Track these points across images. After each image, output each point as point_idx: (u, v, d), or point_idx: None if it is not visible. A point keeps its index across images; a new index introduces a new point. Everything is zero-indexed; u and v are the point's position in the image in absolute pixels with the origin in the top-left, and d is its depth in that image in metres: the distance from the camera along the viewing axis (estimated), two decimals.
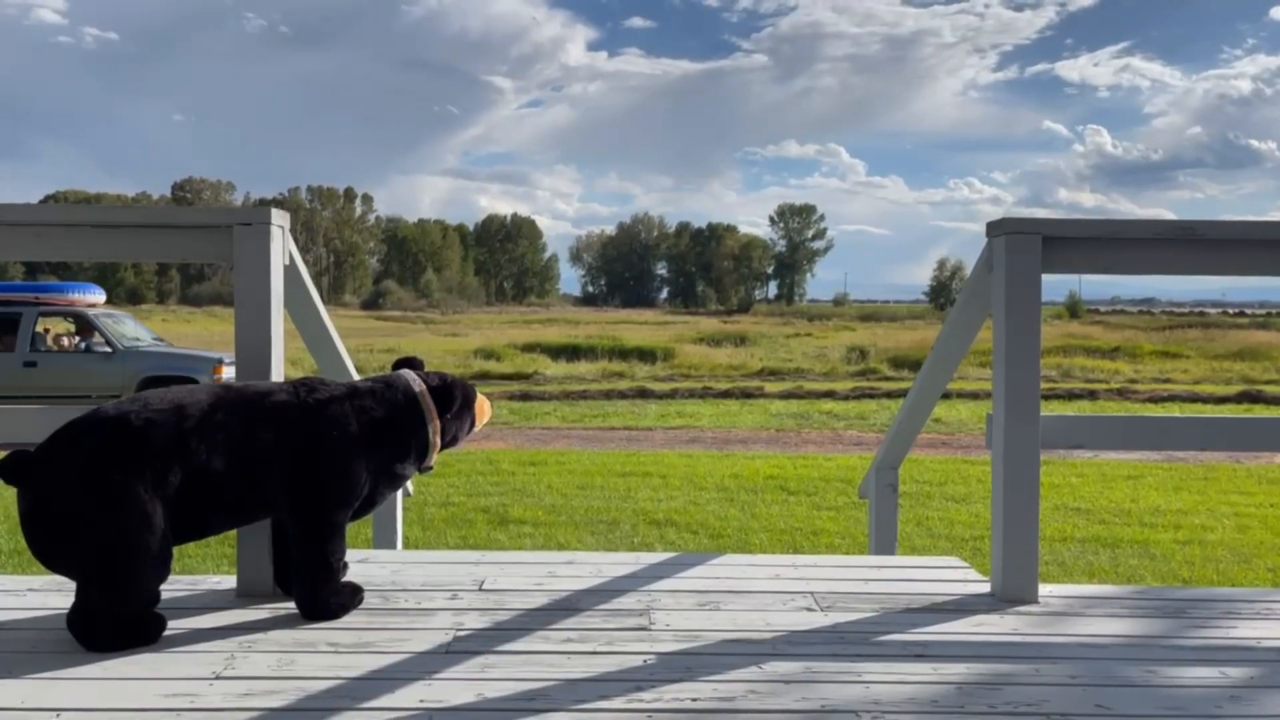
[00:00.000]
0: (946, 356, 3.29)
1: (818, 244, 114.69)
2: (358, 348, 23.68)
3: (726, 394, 18.06)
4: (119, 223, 2.75)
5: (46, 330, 13.36)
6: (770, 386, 19.29)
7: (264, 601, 2.61)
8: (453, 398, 2.62)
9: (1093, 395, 17.58)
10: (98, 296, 14.18)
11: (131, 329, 13.98)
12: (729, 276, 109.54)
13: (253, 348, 2.68)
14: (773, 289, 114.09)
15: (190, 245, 2.74)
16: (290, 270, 2.82)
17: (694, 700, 1.99)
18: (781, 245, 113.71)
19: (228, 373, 12.56)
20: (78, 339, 13.28)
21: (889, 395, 17.66)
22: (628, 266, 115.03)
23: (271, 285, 2.67)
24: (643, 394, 18.23)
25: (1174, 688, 2.10)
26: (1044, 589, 2.79)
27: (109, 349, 12.77)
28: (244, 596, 2.66)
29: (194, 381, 11.95)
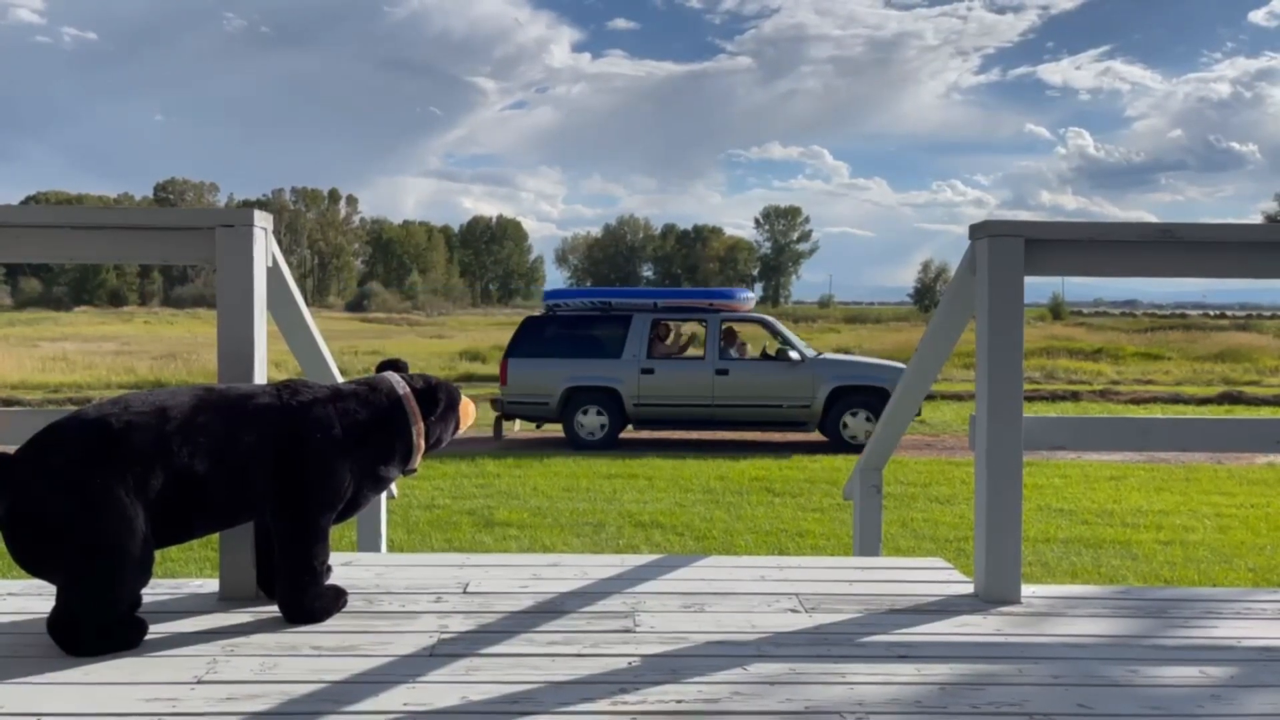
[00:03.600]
0: (930, 358, 3.30)
1: (803, 246, 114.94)
2: (342, 350, 23.61)
3: None
4: (100, 224, 2.73)
5: (736, 337, 12.72)
6: None
7: (247, 605, 2.59)
8: (437, 400, 2.62)
9: (1075, 397, 17.69)
10: (753, 301, 13.61)
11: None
12: (715, 278, 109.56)
13: (235, 350, 2.66)
14: (758, 291, 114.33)
15: (172, 247, 2.73)
16: (273, 272, 2.81)
17: (678, 702, 1.99)
18: (767, 247, 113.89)
19: None
20: (745, 346, 12.74)
21: None
22: (614, 268, 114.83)
23: (254, 287, 2.66)
24: None
25: (1155, 687, 2.12)
26: (1027, 589, 2.80)
27: (797, 357, 12.21)
28: (226, 600, 2.64)
29: (885, 392, 11.55)
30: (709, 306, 12.53)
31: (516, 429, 12.94)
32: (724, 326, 12.43)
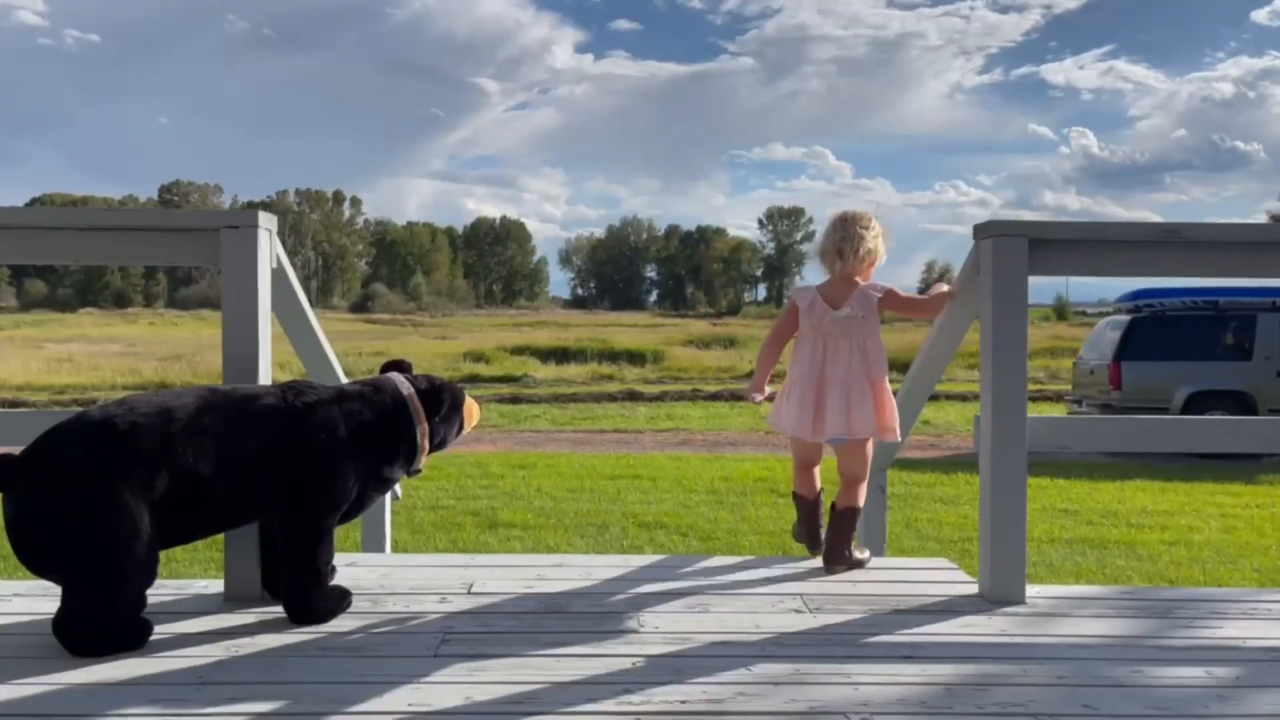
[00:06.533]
0: (934, 359, 3.30)
1: (806, 247, 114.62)
2: (346, 351, 23.63)
3: (716, 396, 18.08)
4: (106, 226, 2.74)
5: None
6: None
7: (251, 606, 2.60)
8: (441, 400, 2.62)
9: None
10: None
11: None
12: (718, 279, 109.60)
13: (240, 351, 2.67)
14: (762, 291, 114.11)
15: (177, 248, 2.73)
16: (278, 273, 2.81)
17: (683, 703, 1.99)
18: (770, 248, 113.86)
19: None
20: None
21: None
22: (617, 269, 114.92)
23: (259, 288, 2.66)
24: (632, 396, 18.24)
25: (1161, 688, 2.12)
26: (1031, 590, 2.80)
27: None
28: (231, 601, 2.65)
29: None
30: (1275, 306, 11.34)
31: None
32: None
